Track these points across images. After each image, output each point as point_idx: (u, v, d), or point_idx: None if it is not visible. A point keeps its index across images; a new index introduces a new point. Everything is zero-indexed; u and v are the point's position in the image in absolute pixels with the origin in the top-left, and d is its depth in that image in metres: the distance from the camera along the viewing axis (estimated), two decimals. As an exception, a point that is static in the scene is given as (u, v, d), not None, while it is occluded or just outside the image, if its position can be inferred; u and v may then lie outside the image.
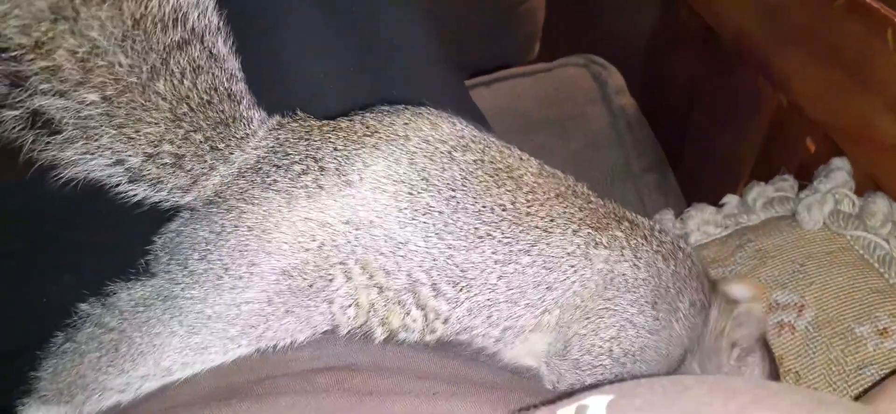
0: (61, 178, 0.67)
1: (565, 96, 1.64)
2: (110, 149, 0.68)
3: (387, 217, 0.68)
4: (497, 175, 0.71)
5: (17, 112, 0.64)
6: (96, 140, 0.67)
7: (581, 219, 0.72)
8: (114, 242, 0.79)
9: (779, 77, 1.29)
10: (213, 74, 0.69)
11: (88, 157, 0.67)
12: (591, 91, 1.65)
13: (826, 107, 1.17)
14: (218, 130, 0.70)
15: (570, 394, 0.48)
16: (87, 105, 0.66)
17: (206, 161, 0.70)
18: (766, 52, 1.32)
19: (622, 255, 0.72)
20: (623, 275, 0.72)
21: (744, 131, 1.41)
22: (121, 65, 0.66)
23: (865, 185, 1.10)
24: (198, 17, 0.68)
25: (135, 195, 0.70)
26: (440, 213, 0.68)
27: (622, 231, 0.74)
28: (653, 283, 0.73)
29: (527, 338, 0.73)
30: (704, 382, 0.42)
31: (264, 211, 0.67)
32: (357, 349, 0.71)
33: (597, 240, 0.72)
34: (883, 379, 0.84)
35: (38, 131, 0.66)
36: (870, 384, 0.86)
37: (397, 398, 0.65)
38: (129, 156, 0.68)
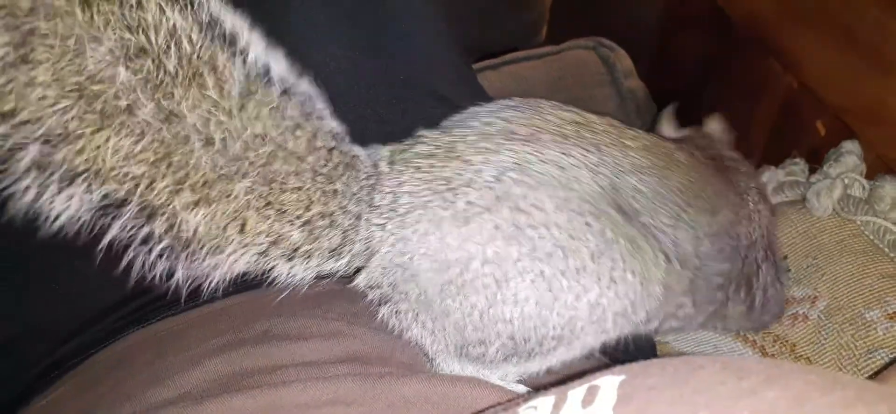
0: (208, 286, 0.63)
1: (574, 79, 1.62)
2: (263, 233, 0.62)
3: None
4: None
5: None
6: (250, 235, 0.62)
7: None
8: None
9: (790, 59, 1.28)
10: (318, 120, 0.66)
11: (240, 251, 0.62)
12: (599, 74, 1.64)
13: (838, 88, 1.16)
14: (348, 174, 0.67)
15: (580, 375, 0.48)
16: (233, 198, 0.61)
17: (350, 211, 0.66)
18: (777, 33, 1.31)
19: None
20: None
21: (754, 114, 1.40)
22: (288, 150, 0.62)
23: (877, 166, 1.09)
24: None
25: (293, 277, 0.65)
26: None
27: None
28: None
29: None
30: (717, 362, 0.42)
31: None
32: (368, 341, 0.71)
33: None
34: (893, 361, 0.84)
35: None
36: (880, 367, 0.86)
37: (408, 379, 0.65)
38: (289, 232, 0.64)
